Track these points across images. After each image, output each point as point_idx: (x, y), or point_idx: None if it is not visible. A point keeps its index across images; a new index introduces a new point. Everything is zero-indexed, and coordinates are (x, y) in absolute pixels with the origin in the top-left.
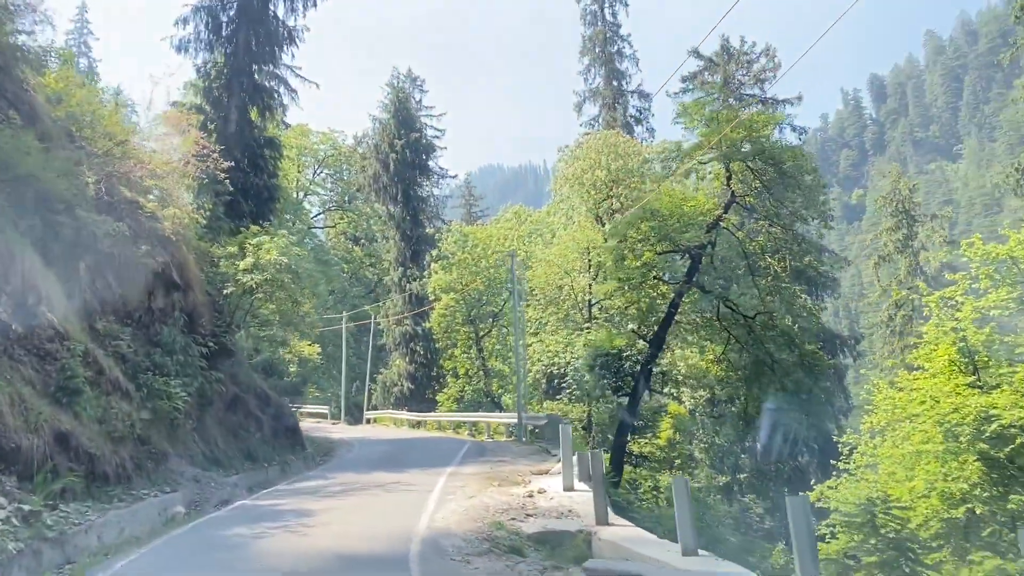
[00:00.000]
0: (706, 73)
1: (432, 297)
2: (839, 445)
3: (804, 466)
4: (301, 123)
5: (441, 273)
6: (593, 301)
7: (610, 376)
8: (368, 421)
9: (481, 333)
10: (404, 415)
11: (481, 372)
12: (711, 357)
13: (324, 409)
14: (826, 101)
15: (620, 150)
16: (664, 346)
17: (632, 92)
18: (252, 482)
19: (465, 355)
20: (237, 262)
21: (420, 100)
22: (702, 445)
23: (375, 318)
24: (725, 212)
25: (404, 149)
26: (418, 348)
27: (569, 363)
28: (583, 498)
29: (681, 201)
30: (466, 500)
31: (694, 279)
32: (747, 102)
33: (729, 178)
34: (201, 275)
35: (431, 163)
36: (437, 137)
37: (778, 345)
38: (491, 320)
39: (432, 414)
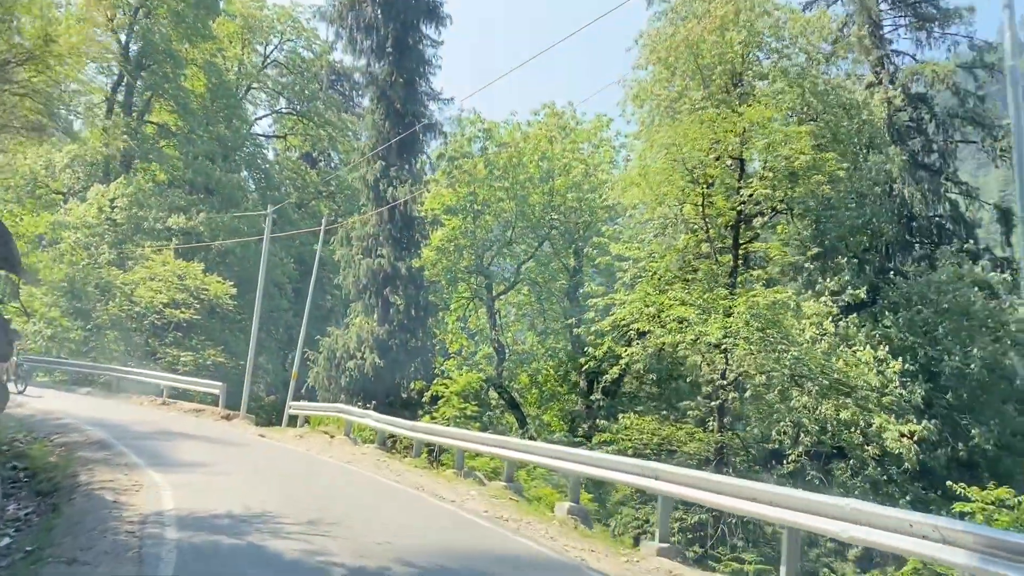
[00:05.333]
0: None
1: (428, 219)
2: None
3: None
4: None
5: (445, 185)
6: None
7: None
8: (295, 421)
9: (497, 291)
10: (384, 422)
11: (494, 352)
12: None
13: (216, 389)
14: None
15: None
16: None
17: None
18: None
19: (459, 324)
20: None
21: None
22: None
23: (331, 224)
24: None
25: None
26: (397, 298)
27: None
28: None
29: None
30: None
31: None
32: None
33: None
34: None
35: (441, 9)
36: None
37: None
38: (515, 271)
39: (457, 432)
